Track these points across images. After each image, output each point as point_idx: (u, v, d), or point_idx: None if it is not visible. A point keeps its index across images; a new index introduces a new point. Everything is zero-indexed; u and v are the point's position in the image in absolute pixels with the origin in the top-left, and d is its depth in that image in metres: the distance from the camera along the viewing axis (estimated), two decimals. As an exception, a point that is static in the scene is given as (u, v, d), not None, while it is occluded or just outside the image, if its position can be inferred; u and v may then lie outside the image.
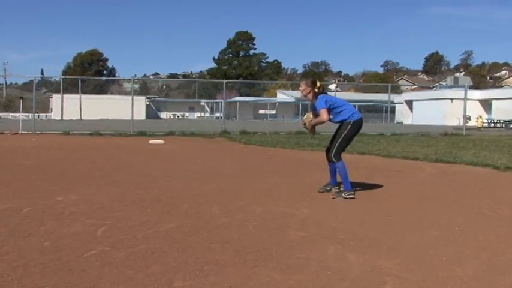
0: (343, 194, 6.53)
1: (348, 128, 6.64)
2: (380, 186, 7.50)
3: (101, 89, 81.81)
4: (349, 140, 6.78)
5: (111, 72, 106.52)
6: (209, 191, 6.91)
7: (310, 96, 6.67)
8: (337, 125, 6.81)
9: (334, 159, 6.69)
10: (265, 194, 6.69)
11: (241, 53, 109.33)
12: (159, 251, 3.97)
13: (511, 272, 3.56)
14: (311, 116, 6.80)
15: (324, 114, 6.49)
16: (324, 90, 6.80)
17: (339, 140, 6.65)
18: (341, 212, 5.59)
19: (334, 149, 6.68)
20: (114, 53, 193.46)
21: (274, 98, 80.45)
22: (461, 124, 28.63)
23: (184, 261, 3.71)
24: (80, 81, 37.21)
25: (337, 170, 6.70)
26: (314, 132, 7.02)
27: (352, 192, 6.55)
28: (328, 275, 3.46)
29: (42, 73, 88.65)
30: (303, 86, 6.73)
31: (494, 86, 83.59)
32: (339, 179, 6.78)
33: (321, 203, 6.12)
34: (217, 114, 69.35)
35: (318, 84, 6.69)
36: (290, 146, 15.05)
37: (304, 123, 6.96)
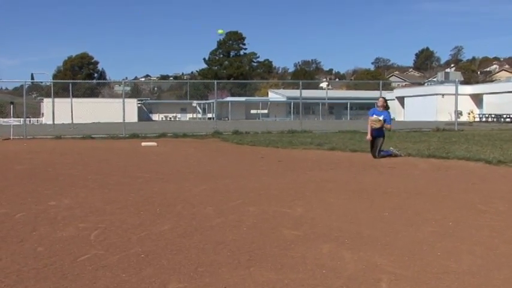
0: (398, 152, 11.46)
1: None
2: (373, 182, 7.51)
3: (92, 93, 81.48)
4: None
5: (102, 75, 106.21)
6: (202, 191, 6.90)
7: (381, 110, 11.59)
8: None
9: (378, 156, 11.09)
10: (258, 193, 6.69)
11: (232, 53, 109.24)
12: (153, 253, 3.95)
13: (506, 267, 3.57)
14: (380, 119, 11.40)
15: (390, 127, 12.24)
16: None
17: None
18: (335, 210, 5.59)
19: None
20: (104, 56, 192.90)
21: (266, 98, 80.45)
22: (453, 119, 28.71)
23: (178, 263, 3.70)
24: (70, 85, 37.01)
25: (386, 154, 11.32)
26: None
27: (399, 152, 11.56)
28: (324, 273, 3.46)
29: (32, 78, 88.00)
30: (384, 102, 11.77)
31: (485, 81, 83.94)
32: None
33: (314, 201, 6.11)
34: (209, 115, 69.29)
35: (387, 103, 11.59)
36: (283, 145, 15.04)
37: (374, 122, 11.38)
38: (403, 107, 58.92)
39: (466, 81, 73.44)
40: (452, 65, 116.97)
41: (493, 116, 44.80)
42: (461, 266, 3.59)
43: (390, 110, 11.89)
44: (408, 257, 3.80)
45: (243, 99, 75.23)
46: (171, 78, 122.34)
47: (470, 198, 6.22)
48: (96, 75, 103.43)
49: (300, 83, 25.28)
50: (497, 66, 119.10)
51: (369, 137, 11.36)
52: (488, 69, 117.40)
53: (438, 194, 6.61)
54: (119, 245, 4.19)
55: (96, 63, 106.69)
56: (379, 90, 25.85)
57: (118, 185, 7.51)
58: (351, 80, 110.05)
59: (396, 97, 60.03)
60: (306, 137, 19.10)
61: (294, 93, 68.76)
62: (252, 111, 71.54)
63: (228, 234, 4.53)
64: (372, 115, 11.53)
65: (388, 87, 70.02)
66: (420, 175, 8.46)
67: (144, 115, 70.09)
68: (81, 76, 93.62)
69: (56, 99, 32.59)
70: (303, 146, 14.72)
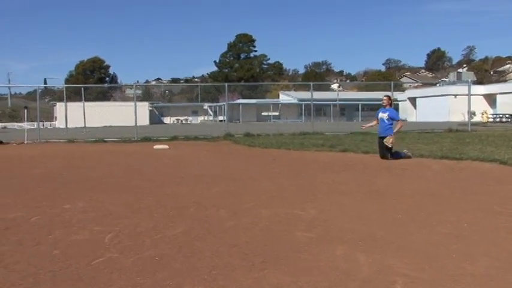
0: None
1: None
2: (386, 184, 7.50)
3: (103, 96, 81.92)
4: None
5: (113, 79, 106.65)
6: (215, 194, 6.93)
7: (387, 107, 11.57)
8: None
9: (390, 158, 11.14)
10: (271, 196, 6.70)
11: (242, 56, 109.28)
12: (167, 256, 3.98)
13: (520, 268, 3.55)
14: (391, 140, 11.25)
15: (401, 124, 11.78)
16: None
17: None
18: (348, 212, 5.58)
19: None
20: (115, 59, 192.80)
21: (277, 100, 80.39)
22: (466, 120, 28.56)
23: (192, 266, 3.72)
24: (82, 89, 37.20)
25: (399, 156, 11.15)
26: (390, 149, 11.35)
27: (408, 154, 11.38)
28: (338, 275, 3.46)
29: (45, 82, 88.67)
30: (388, 100, 11.74)
31: (498, 81, 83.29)
32: None
33: (327, 203, 6.11)
34: (221, 118, 69.32)
35: (392, 99, 11.28)
36: (294, 147, 15.02)
37: (387, 143, 11.26)
38: (415, 107, 58.60)
39: (479, 81, 72.91)
40: (464, 65, 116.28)
41: (507, 116, 44.37)
42: (478, 268, 3.57)
43: (402, 111, 12.18)
44: (423, 259, 3.79)
45: (253, 101, 75.19)
46: (182, 81, 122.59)
47: (485, 200, 6.18)
48: (107, 79, 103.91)
49: (311, 85, 25.28)
50: (511, 66, 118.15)
51: (365, 126, 13.09)
52: (501, 68, 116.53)
53: (452, 195, 6.59)
54: (133, 248, 4.22)
55: (108, 67, 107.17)
56: (390, 91, 25.79)
57: (131, 188, 7.55)
58: (362, 81, 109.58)
59: (408, 98, 59.76)
60: (317, 138, 19.06)
61: (305, 95, 68.67)
62: (263, 114, 71.46)
63: (241, 236, 4.55)
64: (378, 115, 11.86)
65: (399, 88, 69.75)
66: (433, 176, 8.43)
67: (155, 118, 70.34)
68: (93, 80, 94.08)
69: (69, 103, 32.76)
70: (315, 147, 14.70)
